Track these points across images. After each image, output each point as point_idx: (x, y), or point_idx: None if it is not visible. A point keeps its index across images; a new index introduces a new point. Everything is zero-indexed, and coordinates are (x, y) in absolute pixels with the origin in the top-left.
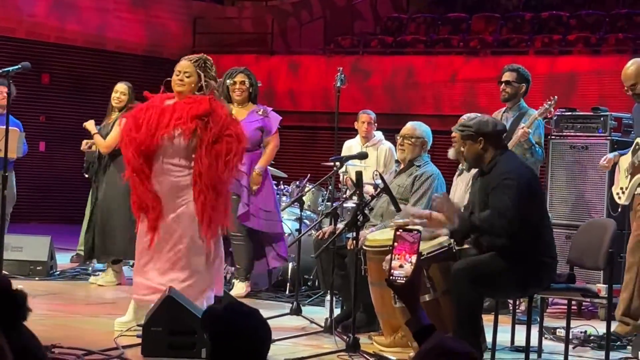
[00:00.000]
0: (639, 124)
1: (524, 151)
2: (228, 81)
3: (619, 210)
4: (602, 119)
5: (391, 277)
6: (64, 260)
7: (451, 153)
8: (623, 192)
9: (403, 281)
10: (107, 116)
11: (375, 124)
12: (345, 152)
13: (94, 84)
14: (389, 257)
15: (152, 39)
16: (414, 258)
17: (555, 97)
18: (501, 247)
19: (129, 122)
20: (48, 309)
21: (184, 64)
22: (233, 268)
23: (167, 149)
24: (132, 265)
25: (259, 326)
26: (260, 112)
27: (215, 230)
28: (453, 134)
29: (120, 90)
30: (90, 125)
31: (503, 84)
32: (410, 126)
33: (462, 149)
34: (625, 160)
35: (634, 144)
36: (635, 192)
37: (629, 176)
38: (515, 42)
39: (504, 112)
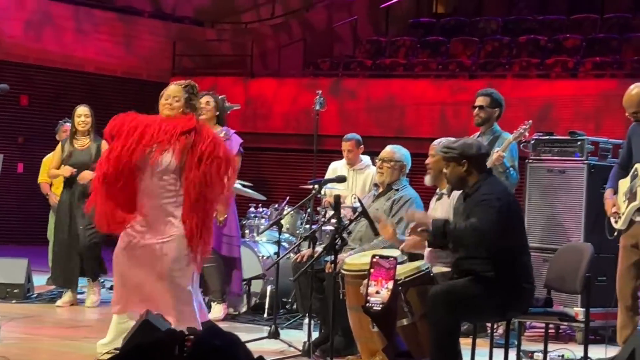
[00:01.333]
0: (637, 147)
1: (499, 175)
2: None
3: (615, 234)
4: (579, 143)
5: (367, 304)
6: (41, 282)
7: (427, 180)
8: (620, 217)
9: (379, 308)
10: (72, 141)
11: (361, 147)
12: (329, 174)
13: (73, 105)
14: (366, 281)
15: (131, 60)
16: (390, 284)
17: (530, 121)
18: (479, 271)
19: (112, 130)
20: (25, 332)
21: (174, 89)
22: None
23: (156, 167)
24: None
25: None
26: (222, 135)
27: (204, 250)
28: (427, 161)
29: (84, 113)
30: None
31: (476, 109)
32: (389, 149)
33: (445, 170)
34: (624, 184)
35: (633, 169)
36: (636, 220)
37: (627, 201)
38: (494, 66)
39: (478, 136)
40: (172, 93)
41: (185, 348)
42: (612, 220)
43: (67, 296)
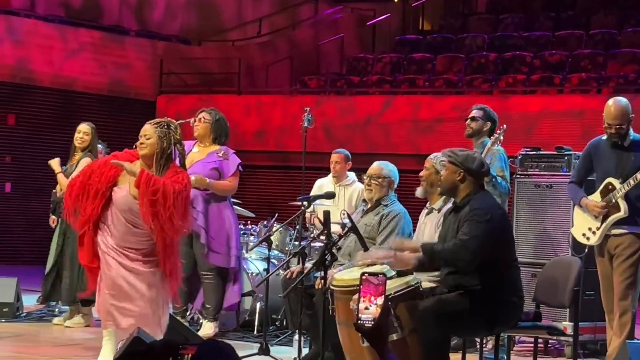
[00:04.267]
0: (606, 163)
1: (485, 185)
2: (191, 120)
3: (586, 251)
4: (565, 158)
5: (359, 321)
6: (30, 302)
7: (419, 192)
8: (593, 233)
9: (371, 324)
10: (71, 157)
11: (349, 163)
12: (315, 191)
13: (60, 124)
14: (356, 296)
15: (118, 79)
16: (379, 300)
17: (505, 125)
18: (468, 286)
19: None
20: (14, 351)
21: (146, 127)
22: (200, 308)
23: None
24: None
25: None
26: (220, 154)
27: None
28: (421, 173)
29: (83, 131)
30: (55, 163)
31: (469, 120)
32: (376, 166)
33: (441, 172)
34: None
35: (606, 183)
36: (611, 233)
37: (599, 216)
38: (480, 82)
39: None
40: (144, 132)
41: (179, 357)
42: (582, 237)
43: (78, 317)
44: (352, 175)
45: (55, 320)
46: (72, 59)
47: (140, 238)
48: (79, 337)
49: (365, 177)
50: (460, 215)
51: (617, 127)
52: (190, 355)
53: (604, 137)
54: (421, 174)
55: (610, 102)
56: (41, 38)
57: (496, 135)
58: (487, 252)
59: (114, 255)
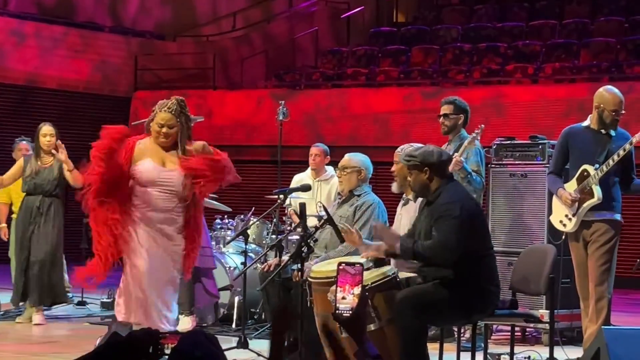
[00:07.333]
0: (585, 150)
1: (461, 180)
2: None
3: (563, 238)
4: (540, 147)
5: (337, 311)
6: (5, 300)
7: (394, 187)
8: (570, 220)
9: (349, 314)
10: (37, 159)
11: (328, 157)
12: (294, 185)
13: (36, 122)
14: (334, 287)
15: (93, 75)
16: (356, 289)
17: (482, 125)
18: (445, 275)
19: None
20: None
21: (166, 116)
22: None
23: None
24: None
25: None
26: None
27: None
28: (392, 168)
29: (49, 133)
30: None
31: (442, 118)
32: (346, 157)
33: (408, 178)
34: (570, 187)
35: (581, 170)
36: (587, 220)
37: (577, 202)
38: (454, 73)
39: (447, 145)
40: (166, 121)
41: (159, 347)
42: (559, 224)
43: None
44: (330, 169)
45: (18, 319)
46: (46, 56)
47: (170, 208)
48: (57, 334)
49: (337, 171)
50: (432, 209)
51: (622, 113)
52: (171, 345)
53: (584, 124)
54: (392, 169)
55: (614, 90)
56: (14, 36)
57: (474, 135)
58: (463, 245)
59: (146, 237)
